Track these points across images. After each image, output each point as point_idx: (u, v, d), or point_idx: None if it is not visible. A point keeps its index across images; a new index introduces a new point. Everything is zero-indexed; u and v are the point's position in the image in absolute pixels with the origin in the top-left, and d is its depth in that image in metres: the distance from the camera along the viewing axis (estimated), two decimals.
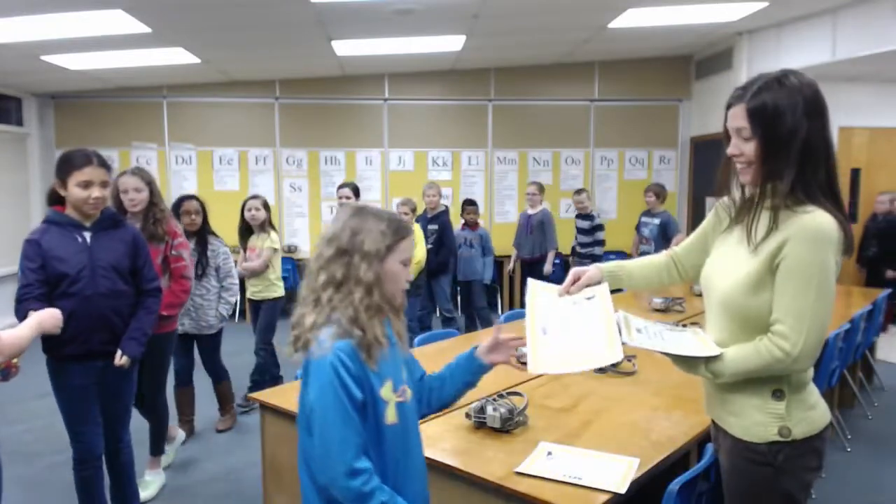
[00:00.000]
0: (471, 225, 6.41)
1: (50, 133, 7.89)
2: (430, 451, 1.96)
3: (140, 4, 4.73)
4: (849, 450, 3.86)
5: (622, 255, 7.63)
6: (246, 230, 4.62)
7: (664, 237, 6.08)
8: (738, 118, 1.54)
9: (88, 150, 2.58)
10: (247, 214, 4.57)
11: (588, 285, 1.78)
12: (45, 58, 6.04)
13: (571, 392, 2.54)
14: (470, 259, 6.33)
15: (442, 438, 2.08)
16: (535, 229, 6.40)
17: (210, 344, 4.14)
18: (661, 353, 1.58)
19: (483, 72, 8.18)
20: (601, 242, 6.55)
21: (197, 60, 6.61)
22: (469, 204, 6.54)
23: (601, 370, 2.78)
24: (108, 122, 7.88)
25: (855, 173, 7.12)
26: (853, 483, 3.46)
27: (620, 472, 1.81)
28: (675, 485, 1.70)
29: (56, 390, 2.64)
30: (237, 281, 4.12)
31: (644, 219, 6.42)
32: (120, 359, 2.64)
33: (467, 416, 2.16)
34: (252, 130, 8.10)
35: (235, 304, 4.27)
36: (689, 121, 8.33)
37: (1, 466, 2.14)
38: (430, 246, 5.86)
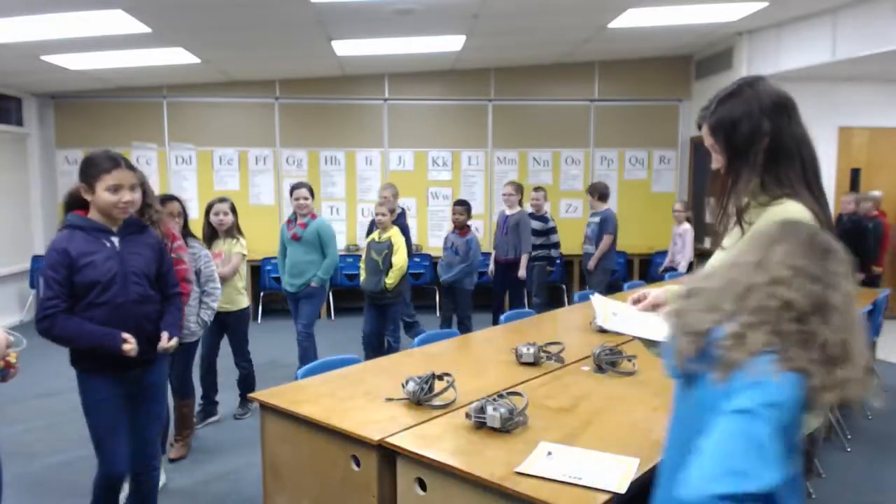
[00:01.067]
0: (459, 228, 5.85)
1: (50, 133, 7.89)
2: (430, 451, 1.97)
3: (140, 4, 4.73)
4: (849, 450, 3.86)
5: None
6: (211, 234, 4.37)
7: (601, 233, 6.16)
8: (706, 136, 1.63)
9: (112, 153, 2.49)
10: (213, 219, 4.34)
11: (655, 305, 1.77)
12: (45, 58, 6.04)
13: (571, 392, 2.54)
14: (452, 266, 5.83)
15: (442, 438, 2.08)
16: (511, 231, 6.14)
17: (185, 355, 3.78)
18: (635, 337, 1.66)
19: (483, 72, 8.18)
20: (556, 245, 6.44)
21: (197, 60, 6.61)
22: (458, 204, 5.97)
23: (599, 369, 2.78)
24: (108, 122, 7.88)
25: (855, 173, 7.12)
26: (853, 483, 3.46)
27: (620, 472, 1.81)
28: None
29: (88, 404, 2.50)
30: (220, 286, 3.86)
31: (589, 219, 6.48)
32: (168, 341, 2.57)
33: (467, 416, 2.16)
34: (252, 130, 8.10)
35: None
36: (689, 121, 8.32)
37: (1, 466, 2.14)
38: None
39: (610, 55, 7.93)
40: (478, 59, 7.55)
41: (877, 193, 6.79)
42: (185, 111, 8.02)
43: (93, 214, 2.47)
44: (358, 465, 2.14)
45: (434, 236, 8.14)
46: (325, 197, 8.16)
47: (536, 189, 6.62)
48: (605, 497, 1.70)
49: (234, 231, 4.37)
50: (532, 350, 2.88)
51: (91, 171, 2.43)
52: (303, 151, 8.15)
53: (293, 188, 4.99)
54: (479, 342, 3.51)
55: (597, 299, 1.80)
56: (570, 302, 7.43)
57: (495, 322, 5.76)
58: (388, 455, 2.06)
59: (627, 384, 2.65)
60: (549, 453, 1.93)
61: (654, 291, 1.86)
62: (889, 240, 6.75)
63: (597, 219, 6.26)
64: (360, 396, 2.46)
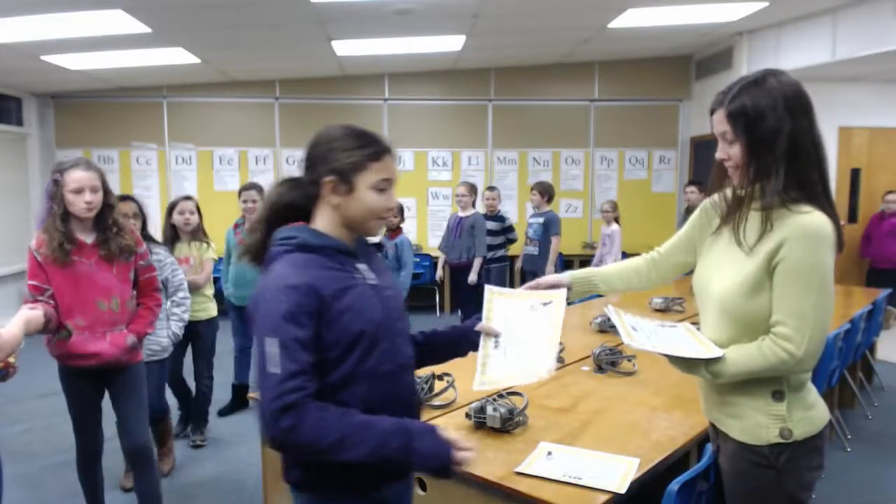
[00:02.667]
0: (390, 231, 5.13)
1: (50, 133, 7.89)
2: None
3: (140, 4, 4.73)
4: (849, 450, 3.86)
5: (623, 255, 7.62)
6: (173, 237, 3.94)
7: (546, 235, 5.95)
8: (721, 122, 1.55)
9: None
10: (178, 218, 3.91)
11: (552, 287, 1.78)
12: (45, 58, 6.04)
13: (571, 392, 2.54)
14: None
15: None
16: (465, 233, 5.86)
17: (158, 372, 3.40)
18: (661, 354, 1.58)
19: (483, 72, 8.18)
20: (513, 241, 6.23)
21: (197, 60, 6.61)
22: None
23: (599, 369, 2.78)
24: (108, 122, 7.88)
25: (855, 173, 7.12)
26: (853, 483, 3.45)
27: (620, 472, 1.81)
28: (674, 484, 1.70)
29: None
30: (189, 295, 3.48)
31: (530, 219, 6.23)
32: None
33: (467, 416, 2.16)
34: (252, 130, 8.10)
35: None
36: (689, 121, 8.33)
37: (1, 466, 2.14)
38: None
39: (610, 55, 7.92)
40: (478, 59, 7.55)
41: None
42: (185, 111, 8.02)
43: (325, 226, 1.49)
44: None
45: (434, 236, 8.13)
46: None
47: (490, 188, 6.38)
48: (605, 497, 1.70)
49: (199, 233, 3.96)
50: None
51: (372, 154, 1.47)
52: (303, 151, 8.14)
53: (241, 190, 4.44)
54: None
55: (612, 312, 1.71)
56: (570, 302, 7.44)
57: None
58: None
59: (627, 384, 2.65)
60: (549, 453, 1.93)
61: (557, 276, 1.84)
62: None
63: (540, 219, 6.02)
64: None
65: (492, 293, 1.74)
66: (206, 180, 8.05)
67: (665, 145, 8.46)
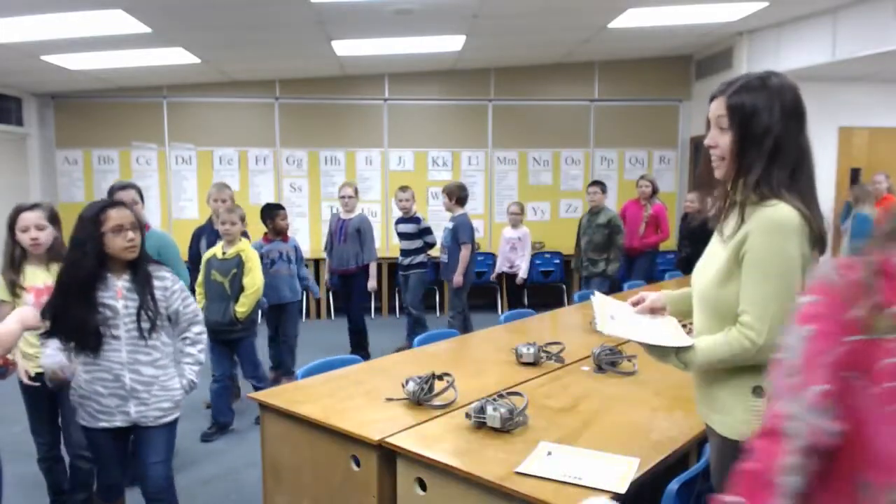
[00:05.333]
0: (277, 233, 4.87)
1: (50, 133, 7.89)
2: (430, 451, 1.97)
3: (140, 4, 4.73)
4: None
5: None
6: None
7: (455, 242, 5.50)
8: (719, 108, 1.62)
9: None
10: (21, 236, 2.91)
11: (653, 309, 1.85)
12: (45, 58, 6.04)
13: (571, 392, 2.54)
14: (277, 277, 4.71)
15: (442, 438, 2.07)
16: (350, 238, 5.42)
17: (167, 436, 2.52)
18: (635, 341, 1.66)
19: (483, 72, 8.18)
20: (431, 245, 5.81)
21: (197, 60, 6.61)
22: (274, 208, 4.97)
23: (599, 369, 2.78)
24: (108, 122, 7.88)
25: (855, 173, 7.12)
26: None
27: (620, 472, 1.81)
28: (674, 484, 1.70)
29: None
30: (205, 329, 2.67)
31: (447, 224, 5.73)
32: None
33: (467, 416, 2.16)
34: (252, 130, 8.09)
35: None
36: (689, 121, 8.33)
37: (1, 466, 2.14)
38: None
39: (610, 55, 7.92)
40: (478, 59, 7.55)
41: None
42: (185, 111, 8.01)
43: None
44: (358, 465, 2.14)
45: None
46: (325, 197, 8.16)
47: (403, 188, 5.88)
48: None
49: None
50: (532, 350, 2.88)
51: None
52: (303, 151, 8.15)
53: (112, 189, 3.66)
54: (479, 342, 3.51)
55: (597, 299, 1.81)
56: (570, 302, 7.43)
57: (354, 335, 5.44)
58: (388, 455, 2.06)
59: (627, 384, 2.65)
60: (549, 453, 1.93)
61: (651, 295, 1.88)
62: None
63: (450, 225, 5.57)
64: (360, 396, 2.46)
65: (601, 299, 1.90)
66: (206, 180, 8.03)
67: (665, 145, 8.46)
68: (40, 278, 2.75)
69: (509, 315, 4.05)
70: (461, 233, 5.46)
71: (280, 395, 2.50)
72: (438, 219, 8.19)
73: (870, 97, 6.83)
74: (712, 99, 1.65)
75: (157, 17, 5.09)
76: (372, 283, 5.56)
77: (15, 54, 5.79)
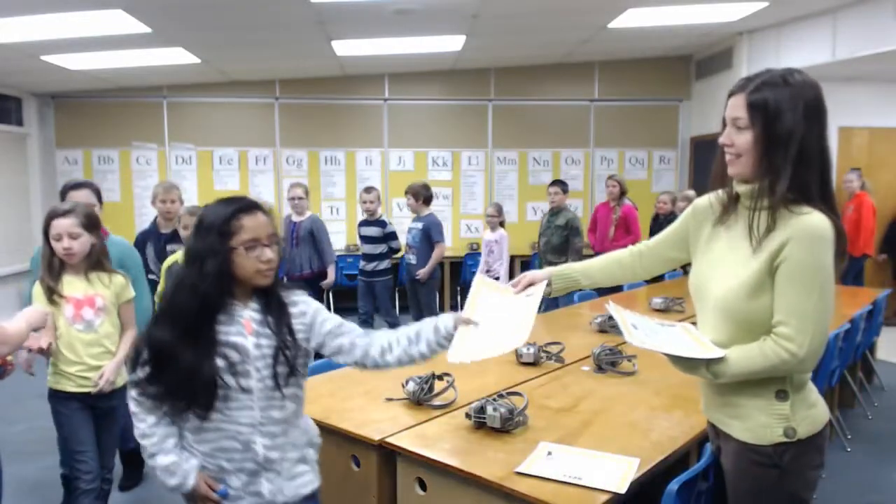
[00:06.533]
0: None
1: (50, 133, 7.89)
2: (430, 451, 1.97)
3: (140, 4, 4.73)
4: (849, 450, 3.86)
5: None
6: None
7: (428, 243, 5.35)
8: (737, 108, 1.54)
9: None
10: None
11: (532, 284, 1.89)
12: (45, 58, 6.04)
13: (571, 392, 2.54)
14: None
15: (442, 438, 2.07)
16: (303, 241, 5.20)
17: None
18: (663, 353, 1.58)
19: (483, 72, 8.18)
20: (396, 251, 5.53)
21: (197, 60, 6.61)
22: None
23: (599, 369, 2.78)
24: (108, 122, 7.88)
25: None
26: (853, 483, 3.45)
27: (620, 472, 1.81)
28: (674, 484, 1.70)
29: None
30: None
31: (410, 224, 5.55)
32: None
33: (467, 416, 2.16)
34: (252, 130, 8.09)
35: None
36: (689, 121, 8.33)
37: (1, 466, 2.14)
38: None
39: (610, 55, 7.92)
40: (478, 59, 7.55)
41: (691, 192, 6.71)
42: (185, 111, 8.01)
43: None
44: (358, 465, 2.14)
45: None
46: (326, 197, 8.16)
47: (367, 189, 5.58)
48: (605, 497, 1.70)
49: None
50: (532, 350, 2.88)
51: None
52: (303, 151, 8.15)
53: (65, 189, 3.22)
54: None
55: (613, 309, 1.72)
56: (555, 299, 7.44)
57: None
58: (388, 455, 2.06)
59: (627, 384, 2.65)
60: (549, 453, 1.93)
61: (536, 272, 1.92)
62: None
63: (419, 225, 5.40)
64: (360, 396, 2.46)
65: (480, 283, 1.92)
66: (206, 180, 8.04)
67: (665, 145, 8.47)
68: (79, 289, 2.57)
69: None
70: (434, 232, 5.37)
71: None
72: (439, 219, 8.21)
73: (870, 97, 6.84)
74: (731, 95, 1.56)
75: (157, 17, 5.09)
76: (328, 280, 5.30)
77: (15, 54, 5.78)
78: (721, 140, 1.59)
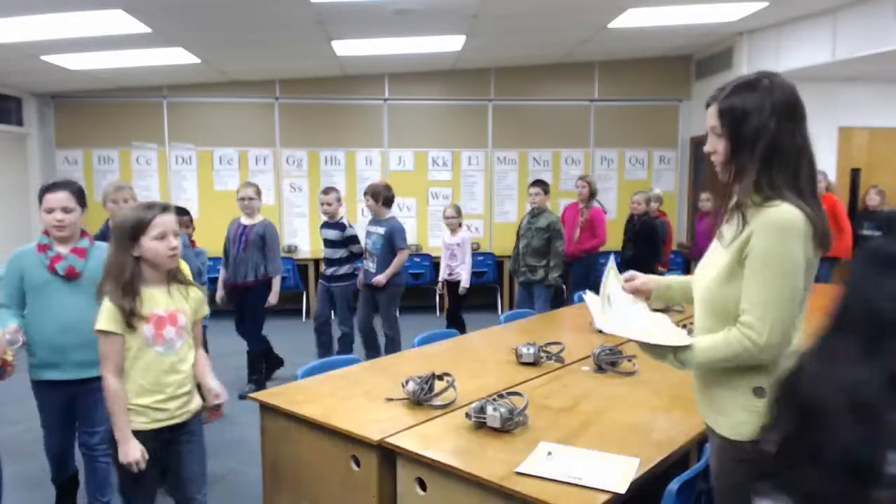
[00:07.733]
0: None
1: (50, 133, 7.89)
2: (430, 451, 1.97)
3: (140, 4, 4.73)
4: None
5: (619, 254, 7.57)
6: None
7: (391, 250, 5.02)
8: (712, 116, 1.63)
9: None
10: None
11: (640, 289, 1.86)
12: (45, 58, 6.04)
13: (571, 392, 2.54)
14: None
15: (442, 438, 2.07)
16: (252, 245, 4.78)
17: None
18: (631, 340, 1.65)
19: (483, 72, 8.18)
20: (357, 256, 5.23)
21: (197, 60, 6.61)
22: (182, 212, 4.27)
23: (599, 369, 2.78)
24: (108, 122, 7.88)
25: (855, 173, 7.11)
26: None
27: (620, 472, 1.81)
28: (674, 484, 1.70)
29: None
30: None
31: (369, 227, 5.20)
32: None
33: (467, 416, 2.16)
34: (252, 130, 8.09)
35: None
36: (689, 121, 8.33)
37: (1, 466, 2.14)
38: None
39: (610, 55, 7.92)
40: (478, 59, 7.55)
41: (659, 192, 6.82)
42: (185, 111, 8.01)
43: None
44: (358, 465, 2.14)
45: (434, 236, 8.13)
46: None
47: (326, 190, 5.27)
48: (605, 497, 1.70)
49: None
50: (532, 350, 2.88)
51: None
52: (303, 151, 8.16)
53: (43, 190, 2.71)
54: (479, 342, 3.51)
55: (590, 298, 1.80)
56: (570, 302, 7.44)
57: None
58: (388, 455, 2.07)
59: (627, 384, 2.65)
60: (549, 453, 1.93)
61: (643, 277, 1.88)
62: (672, 240, 6.93)
63: (380, 230, 5.05)
64: (360, 396, 2.46)
65: (612, 265, 1.86)
66: (206, 180, 8.04)
67: (665, 145, 8.46)
68: (160, 303, 2.20)
69: (509, 315, 4.06)
70: (397, 238, 5.01)
71: (280, 396, 2.50)
72: (438, 218, 8.21)
73: (870, 97, 6.83)
74: (707, 106, 1.66)
75: (157, 17, 5.09)
76: (272, 299, 4.85)
77: (15, 54, 5.78)
78: (706, 149, 1.67)
